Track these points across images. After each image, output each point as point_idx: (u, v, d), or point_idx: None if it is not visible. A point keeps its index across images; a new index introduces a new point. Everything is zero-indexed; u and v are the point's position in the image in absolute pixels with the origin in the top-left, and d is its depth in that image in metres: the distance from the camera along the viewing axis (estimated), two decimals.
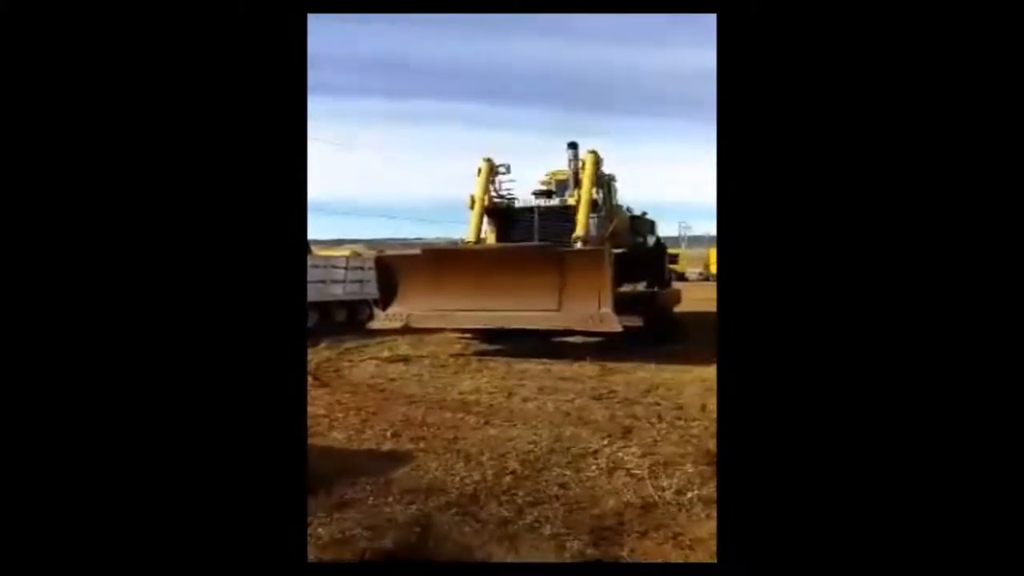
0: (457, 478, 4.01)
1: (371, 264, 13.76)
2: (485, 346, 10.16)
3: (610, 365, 8.19)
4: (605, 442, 4.76)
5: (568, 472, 4.11)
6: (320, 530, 3.17)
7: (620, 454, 4.47)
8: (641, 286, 10.32)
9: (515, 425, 5.33)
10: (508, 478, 3.99)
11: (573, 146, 11.45)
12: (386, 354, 9.50)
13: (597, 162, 10.30)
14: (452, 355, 9.46)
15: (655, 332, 10.07)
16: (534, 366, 8.28)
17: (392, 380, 7.54)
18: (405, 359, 9.03)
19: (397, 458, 4.45)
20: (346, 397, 6.53)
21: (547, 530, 3.21)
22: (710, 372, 7.70)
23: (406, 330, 9.55)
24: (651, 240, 13.20)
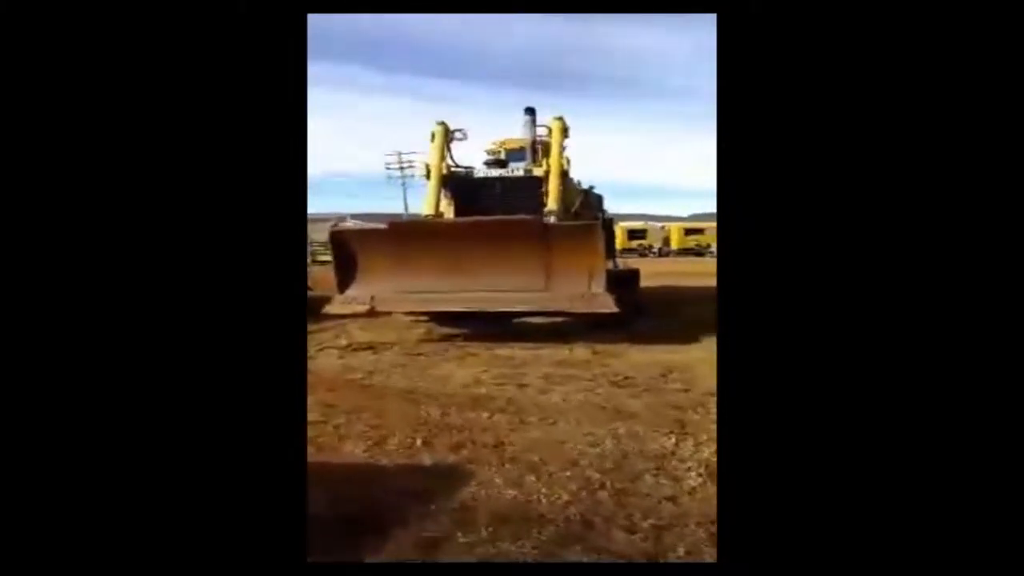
0: (540, 497, 3.35)
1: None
2: (447, 329, 9.34)
3: (598, 347, 7.70)
4: (673, 440, 4.25)
5: (665, 481, 3.55)
6: None
7: (702, 454, 3.96)
8: (609, 264, 9.90)
9: (555, 423, 4.71)
10: (603, 494, 3.38)
11: (531, 112, 10.77)
12: (343, 342, 8.49)
13: (564, 129, 9.68)
14: (420, 340, 8.63)
15: (627, 311, 9.70)
16: (517, 351, 7.64)
17: (370, 373, 6.66)
18: (371, 347, 8.09)
19: (448, 474, 3.72)
20: (329, 396, 5.64)
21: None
22: (711, 352, 7.43)
23: (369, 314, 8.55)
24: (600, 216, 12.84)
